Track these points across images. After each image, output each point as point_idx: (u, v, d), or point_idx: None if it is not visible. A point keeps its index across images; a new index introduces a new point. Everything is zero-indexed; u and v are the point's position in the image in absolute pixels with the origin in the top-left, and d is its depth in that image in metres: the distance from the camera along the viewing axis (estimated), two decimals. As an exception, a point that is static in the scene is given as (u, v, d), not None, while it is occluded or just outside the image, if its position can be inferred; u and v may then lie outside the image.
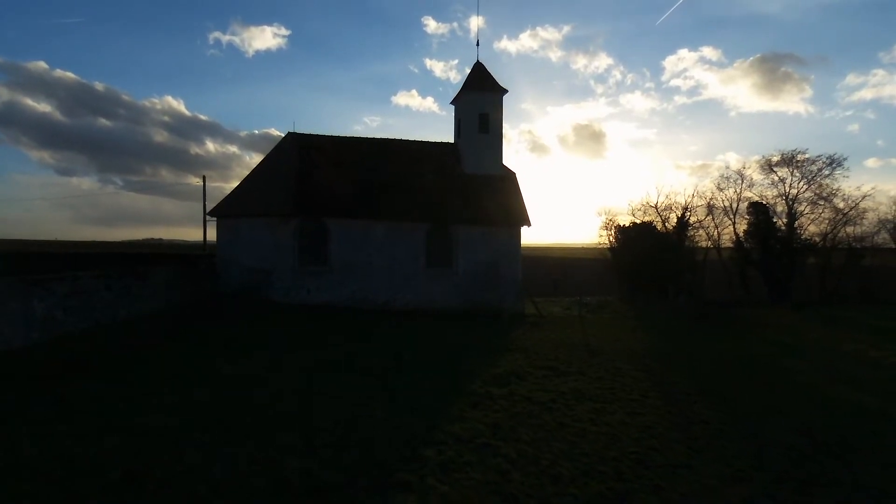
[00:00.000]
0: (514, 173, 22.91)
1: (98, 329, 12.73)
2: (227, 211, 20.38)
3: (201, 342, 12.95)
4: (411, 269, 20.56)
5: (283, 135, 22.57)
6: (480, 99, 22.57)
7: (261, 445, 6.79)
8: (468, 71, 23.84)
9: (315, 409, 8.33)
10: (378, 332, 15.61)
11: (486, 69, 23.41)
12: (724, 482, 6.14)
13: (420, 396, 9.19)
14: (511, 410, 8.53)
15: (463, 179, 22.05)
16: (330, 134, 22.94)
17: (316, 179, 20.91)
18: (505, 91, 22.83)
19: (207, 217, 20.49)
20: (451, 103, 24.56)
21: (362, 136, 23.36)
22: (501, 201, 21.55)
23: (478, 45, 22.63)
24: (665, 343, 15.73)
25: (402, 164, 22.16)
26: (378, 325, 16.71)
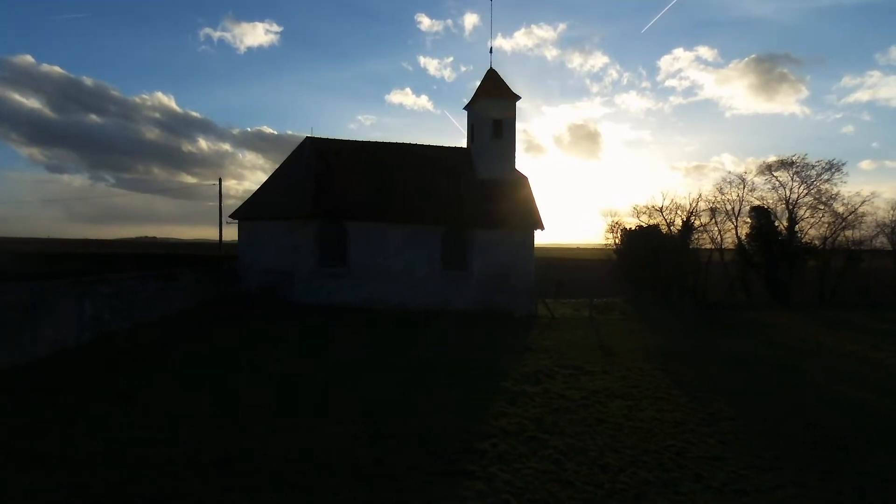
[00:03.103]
0: (526, 177, 23.53)
1: (138, 328, 13.23)
2: (247, 213, 20.87)
3: (235, 340, 13.46)
4: (427, 272, 21.12)
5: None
6: (494, 105, 23.16)
7: (328, 435, 7.36)
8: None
9: (363, 404, 8.89)
10: (400, 333, 16.16)
11: (499, 76, 24.03)
12: (756, 472, 6.76)
13: (458, 393, 9.77)
14: (549, 407, 9.13)
15: (477, 184, 22.64)
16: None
17: (334, 183, 21.43)
18: (518, 98, 23.44)
19: (229, 220, 20.99)
20: (464, 109, 25.18)
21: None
22: (514, 205, 22.16)
23: (490, 51, 23.62)
24: (675, 344, 16.35)
25: (416, 169, 22.72)
26: (398, 326, 17.25)
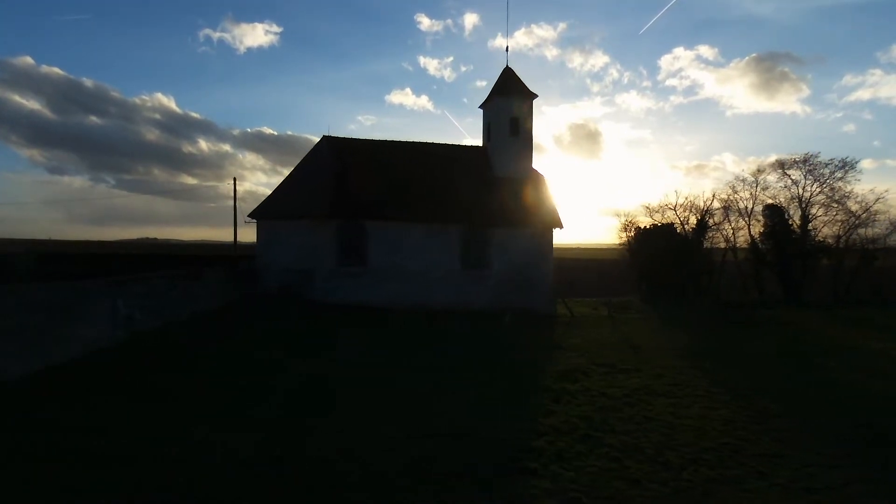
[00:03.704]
0: (543, 176, 23.47)
1: (167, 328, 13.17)
2: (266, 213, 20.82)
3: (265, 340, 13.40)
4: (446, 271, 21.07)
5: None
6: (511, 103, 23.11)
7: (377, 435, 7.29)
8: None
9: (403, 403, 8.82)
10: (425, 332, 16.10)
11: (515, 74, 23.96)
12: (819, 469, 6.68)
13: (498, 391, 9.71)
14: (593, 405, 9.06)
15: (494, 182, 22.59)
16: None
17: (352, 182, 21.40)
18: (535, 96, 23.37)
19: (247, 219, 20.92)
20: (479, 107, 25.13)
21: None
22: (533, 204, 22.11)
23: (507, 50, 23.42)
24: (700, 342, 16.29)
25: (434, 167, 22.68)
26: (422, 326, 17.19)
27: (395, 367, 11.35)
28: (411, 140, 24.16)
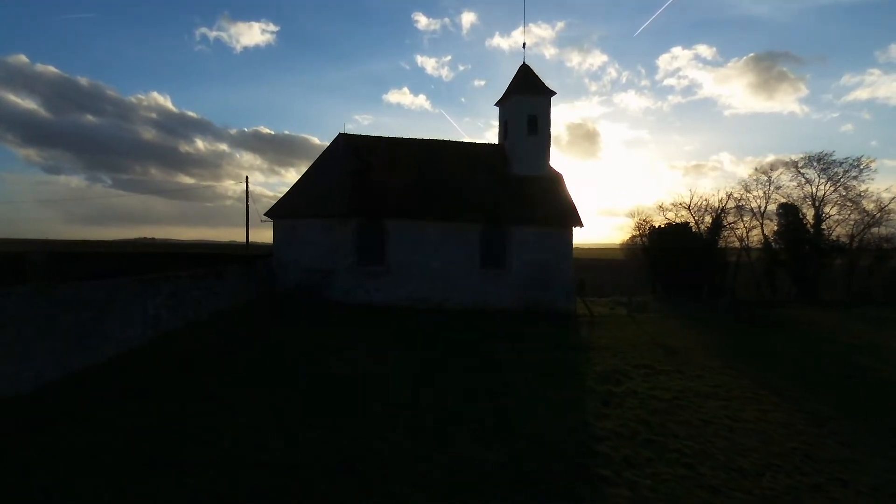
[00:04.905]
0: (560, 174, 23.21)
1: (193, 327, 12.89)
2: (283, 212, 20.52)
3: (295, 340, 13.09)
4: (466, 270, 20.79)
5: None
6: (528, 101, 22.82)
7: (439, 440, 7.05)
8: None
9: (451, 405, 8.55)
10: (454, 332, 15.79)
11: (532, 71, 23.69)
12: (897, 475, 6.48)
13: (544, 394, 9.46)
14: (645, 408, 8.83)
15: (513, 180, 22.32)
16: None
17: (371, 180, 21.11)
18: (553, 93, 23.10)
19: (263, 218, 20.59)
20: (495, 105, 24.86)
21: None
22: (552, 202, 21.85)
23: (524, 46, 23.32)
24: (728, 341, 16.04)
25: (452, 165, 22.41)
26: (448, 325, 16.91)
27: (436, 368, 11.07)
28: (426, 138, 23.89)
